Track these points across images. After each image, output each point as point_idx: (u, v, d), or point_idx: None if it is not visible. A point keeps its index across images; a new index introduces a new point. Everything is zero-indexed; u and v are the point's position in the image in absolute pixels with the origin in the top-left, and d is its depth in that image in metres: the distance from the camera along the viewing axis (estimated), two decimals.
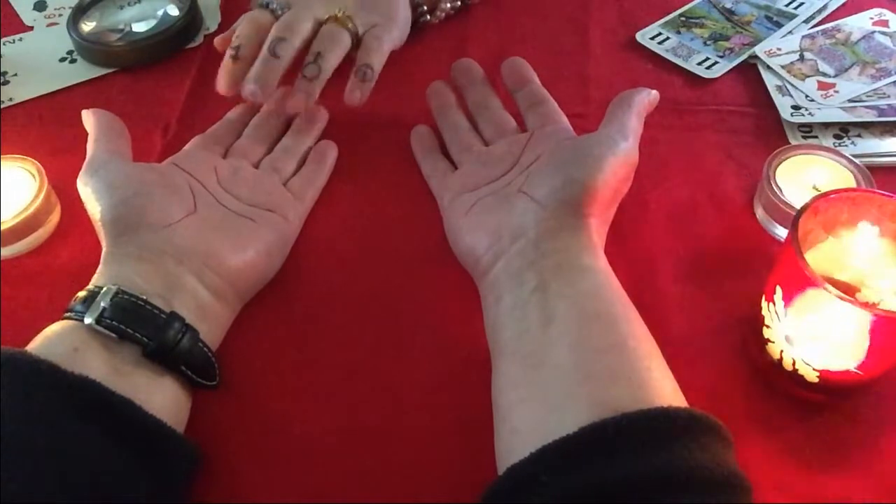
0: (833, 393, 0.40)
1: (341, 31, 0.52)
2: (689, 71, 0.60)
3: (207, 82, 0.60)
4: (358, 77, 0.52)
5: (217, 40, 0.56)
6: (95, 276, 0.41)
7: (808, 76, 0.58)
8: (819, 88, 0.57)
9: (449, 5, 0.64)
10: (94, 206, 0.43)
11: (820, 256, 0.40)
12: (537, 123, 0.50)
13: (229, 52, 0.51)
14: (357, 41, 0.53)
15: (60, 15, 0.67)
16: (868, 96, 0.56)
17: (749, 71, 0.60)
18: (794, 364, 0.39)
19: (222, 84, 0.51)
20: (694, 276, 0.47)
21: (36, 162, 0.50)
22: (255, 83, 0.49)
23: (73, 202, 0.47)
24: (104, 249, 0.42)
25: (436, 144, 0.54)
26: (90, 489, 0.32)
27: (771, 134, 0.55)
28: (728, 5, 0.66)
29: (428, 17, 0.63)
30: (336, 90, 0.52)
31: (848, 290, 0.35)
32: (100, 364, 0.36)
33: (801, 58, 0.60)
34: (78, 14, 0.64)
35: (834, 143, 0.53)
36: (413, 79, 0.59)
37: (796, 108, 0.56)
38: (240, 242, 0.44)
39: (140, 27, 0.63)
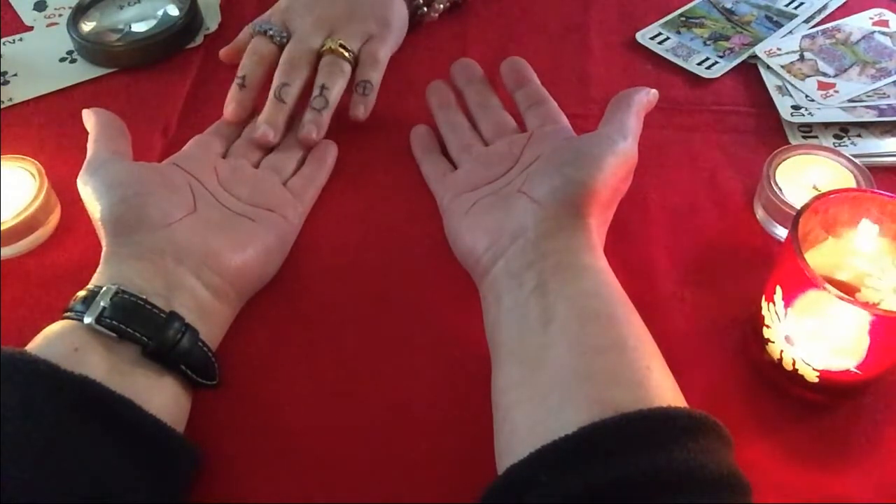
0: (833, 393, 0.40)
1: (340, 61, 0.54)
2: (689, 71, 0.60)
3: (207, 82, 0.60)
4: (358, 93, 0.54)
5: (222, 53, 0.58)
6: (95, 275, 0.41)
7: (808, 76, 0.58)
8: (819, 88, 0.57)
9: None
10: (94, 205, 0.43)
11: (820, 256, 0.40)
12: (537, 123, 0.50)
13: (236, 81, 0.54)
14: (356, 60, 0.55)
15: (60, 15, 0.67)
16: (868, 96, 0.56)
17: (749, 71, 0.60)
18: (794, 364, 0.39)
19: (230, 112, 0.54)
20: (694, 276, 0.47)
21: (36, 162, 0.50)
22: (267, 125, 0.52)
23: (73, 202, 0.47)
24: (104, 249, 0.42)
25: (435, 144, 0.54)
26: (90, 489, 0.32)
27: (771, 134, 0.55)
28: (728, 5, 0.66)
29: (425, 9, 0.63)
30: None
31: (848, 290, 0.35)
32: (100, 363, 0.36)
33: (801, 58, 0.60)
34: (78, 14, 0.64)
35: (834, 143, 0.53)
36: (413, 79, 0.59)
37: (796, 108, 0.56)
38: (239, 242, 0.44)
39: (140, 27, 0.63)
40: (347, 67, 0.54)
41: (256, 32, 0.56)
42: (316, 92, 0.53)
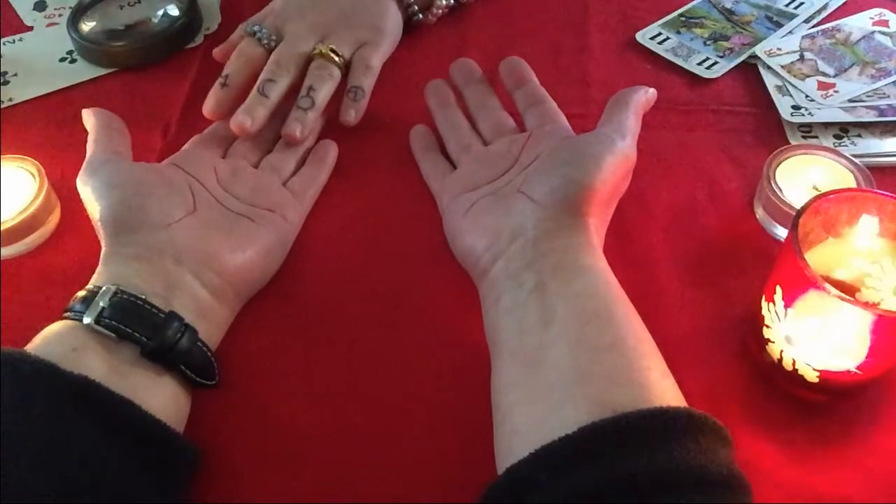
0: (833, 393, 0.40)
1: (330, 66, 0.54)
2: (689, 71, 0.60)
3: (207, 82, 0.60)
4: (349, 98, 0.54)
5: (216, 52, 0.58)
6: (95, 275, 0.41)
7: (808, 76, 0.58)
8: (819, 88, 0.57)
9: (444, 2, 0.64)
10: (93, 205, 0.43)
11: (820, 256, 0.40)
12: (536, 123, 0.50)
13: (219, 80, 0.54)
14: (347, 67, 0.55)
15: (60, 15, 0.67)
16: (868, 96, 0.56)
17: (749, 71, 0.60)
18: (794, 364, 0.39)
19: (208, 108, 0.53)
20: (694, 276, 0.47)
21: (36, 162, 0.50)
22: (245, 114, 0.51)
23: (73, 202, 0.47)
24: (103, 249, 0.42)
25: (435, 144, 0.54)
26: (90, 489, 0.32)
27: (771, 134, 0.55)
28: (728, 5, 0.66)
29: (420, 15, 0.63)
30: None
31: (848, 290, 0.35)
32: (99, 364, 0.36)
33: (801, 58, 0.60)
34: (78, 14, 0.64)
35: (834, 143, 0.53)
36: (412, 79, 0.59)
37: (796, 108, 0.56)
38: (239, 242, 0.44)
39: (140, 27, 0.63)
40: (336, 72, 0.54)
41: (246, 34, 0.55)
42: (303, 92, 0.52)
